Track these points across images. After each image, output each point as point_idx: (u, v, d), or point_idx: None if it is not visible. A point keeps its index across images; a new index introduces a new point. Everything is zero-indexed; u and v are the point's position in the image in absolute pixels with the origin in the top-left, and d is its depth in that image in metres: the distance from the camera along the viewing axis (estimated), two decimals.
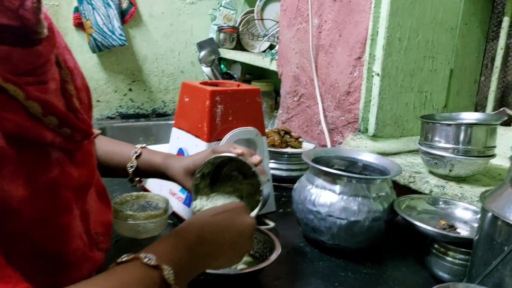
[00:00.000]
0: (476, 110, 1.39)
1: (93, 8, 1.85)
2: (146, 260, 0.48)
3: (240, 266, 0.76)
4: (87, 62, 1.99)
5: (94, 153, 0.65)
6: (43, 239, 0.47)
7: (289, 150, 1.28)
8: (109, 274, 0.47)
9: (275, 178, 1.21)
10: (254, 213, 0.75)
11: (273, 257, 0.76)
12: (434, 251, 0.81)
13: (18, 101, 0.44)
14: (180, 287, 0.50)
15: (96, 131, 0.87)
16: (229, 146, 0.79)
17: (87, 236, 0.58)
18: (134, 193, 0.98)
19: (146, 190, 1.14)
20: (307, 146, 1.33)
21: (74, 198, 0.54)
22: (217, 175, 0.83)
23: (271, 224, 0.99)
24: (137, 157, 0.85)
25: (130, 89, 2.13)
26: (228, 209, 0.65)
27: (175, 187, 1.02)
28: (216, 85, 1.01)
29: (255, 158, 0.77)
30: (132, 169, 0.84)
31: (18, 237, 0.44)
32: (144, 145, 0.88)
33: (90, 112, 0.63)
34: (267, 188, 0.78)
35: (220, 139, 0.94)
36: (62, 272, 0.51)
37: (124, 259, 0.49)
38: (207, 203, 0.79)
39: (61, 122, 0.50)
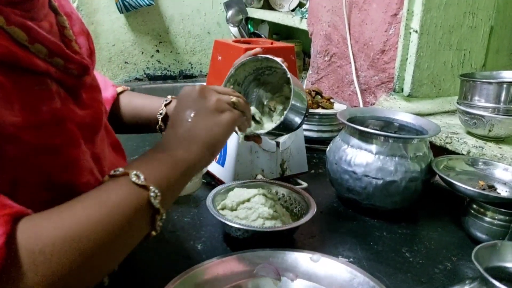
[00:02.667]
0: None
1: None
2: (134, 178, 0.47)
3: (278, 223, 0.76)
4: (114, 23, 1.98)
5: (101, 100, 0.64)
6: (52, 169, 0.48)
7: (320, 111, 1.26)
8: (99, 190, 0.47)
9: (306, 140, 1.20)
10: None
11: (308, 216, 0.76)
12: (472, 211, 0.80)
13: (2, 29, 0.44)
14: (165, 207, 0.50)
15: (123, 87, 0.87)
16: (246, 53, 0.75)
17: (101, 176, 0.58)
18: None
19: None
20: (338, 107, 1.31)
21: (81, 135, 0.54)
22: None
23: (304, 184, 1.00)
24: (167, 105, 0.82)
25: (157, 51, 2.12)
26: (185, 92, 0.61)
27: None
28: (248, 43, 1.00)
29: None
30: (161, 116, 0.81)
31: (22, 165, 0.45)
32: (175, 96, 0.85)
33: (92, 57, 0.61)
34: (298, 92, 0.73)
35: None
36: None
37: (115, 173, 0.49)
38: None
39: (51, 51, 0.49)
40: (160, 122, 0.81)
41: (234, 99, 0.63)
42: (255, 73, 0.80)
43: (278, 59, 0.72)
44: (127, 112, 0.83)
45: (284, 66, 0.71)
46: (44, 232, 0.40)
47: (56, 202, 0.44)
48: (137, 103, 0.84)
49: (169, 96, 0.84)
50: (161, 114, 0.81)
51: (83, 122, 0.55)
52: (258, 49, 0.72)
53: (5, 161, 0.43)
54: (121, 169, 0.49)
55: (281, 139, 0.85)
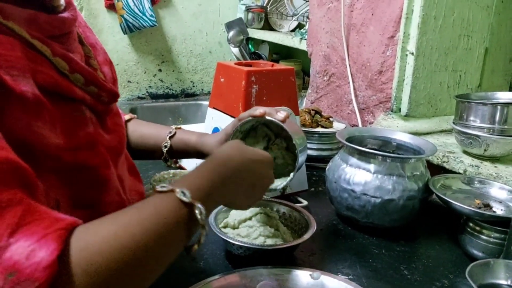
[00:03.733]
0: (510, 90, 1.37)
1: None
2: (180, 195, 0.49)
3: (279, 241, 0.78)
4: (118, 43, 2.02)
5: (123, 125, 0.69)
6: (82, 187, 0.51)
7: (320, 129, 1.29)
8: (146, 203, 0.49)
9: (306, 158, 1.22)
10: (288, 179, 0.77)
11: (309, 234, 0.78)
12: (468, 229, 0.82)
13: (47, 58, 0.49)
14: (207, 223, 0.52)
15: (131, 115, 0.90)
16: (252, 109, 0.77)
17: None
18: (171, 171, 1.02)
19: (182, 168, 1.17)
20: (338, 126, 1.33)
21: (109, 157, 0.58)
22: (254, 136, 0.82)
23: (304, 202, 1.02)
24: (171, 137, 0.86)
25: (159, 70, 2.16)
26: (257, 159, 0.64)
27: None
28: (250, 65, 1.03)
29: (280, 115, 0.75)
30: (166, 149, 0.85)
31: (58, 183, 0.48)
32: (179, 126, 0.90)
33: (115, 84, 0.67)
34: (300, 143, 0.76)
35: None
36: None
37: (162, 189, 0.50)
38: None
39: (87, 80, 0.54)
40: (165, 154, 0.85)
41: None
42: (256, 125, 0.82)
43: (283, 124, 0.74)
44: (133, 140, 0.86)
45: (289, 130, 0.74)
46: (95, 242, 0.41)
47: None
48: (143, 132, 0.88)
49: (173, 127, 0.88)
50: (165, 146, 0.85)
51: (110, 146, 0.59)
52: (262, 111, 0.74)
53: (51, 181, 0.46)
54: (167, 186, 0.50)
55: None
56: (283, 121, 0.75)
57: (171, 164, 0.90)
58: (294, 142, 0.74)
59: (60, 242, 0.39)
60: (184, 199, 0.49)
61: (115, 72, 0.68)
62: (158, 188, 0.51)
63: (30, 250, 0.37)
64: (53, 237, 0.39)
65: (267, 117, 0.74)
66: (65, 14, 0.54)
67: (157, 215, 0.47)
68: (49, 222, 0.40)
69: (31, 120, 0.44)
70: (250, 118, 0.75)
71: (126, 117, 0.88)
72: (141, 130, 0.88)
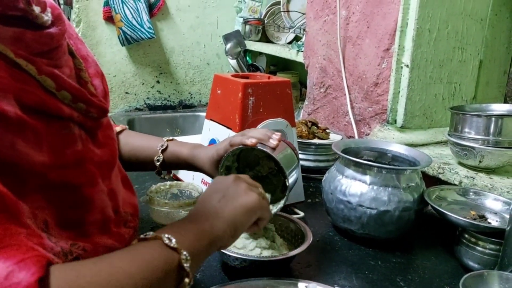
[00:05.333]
0: (505, 101, 1.38)
1: (123, 2, 1.88)
2: (166, 241, 0.50)
3: (275, 252, 0.78)
4: (116, 55, 2.04)
5: (115, 137, 0.68)
6: (65, 206, 0.51)
7: (316, 141, 1.29)
8: (132, 249, 0.50)
9: (303, 169, 1.23)
10: (279, 205, 0.76)
11: (304, 245, 0.78)
12: (464, 241, 0.82)
13: (32, 77, 0.49)
14: (192, 273, 0.52)
15: (122, 126, 0.90)
16: (244, 135, 0.76)
17: (114, 213, 0.61)
18: (168, 182, 1.02)
19: (178, 179, 1.18)
20: (334, 137, 1.34)
21: (99, 174, 0.57)
22: (246, 159, 0.82)
23: (301, 213, 1.02)
24: (163, 150, 0.86)
25: (157, 81, 2.17)
26: (227, 188, 0.64)
27: (207, 177, 1.05)
28: (247, 77, 1.03)
29: (272, 142, 0.75)
30: (158, 163, 0.86)
31: (45, 202, 0.47)
32: (171, 137, 0.90)
33: (107, 97, 0.66)
34: (291, 169, 0.76)
35: None
36: (83, 241, 0.53)
37: (146, 236, 0.51)
38: None
39: (74, 96, 0.54)
40: (158, 168, 0.86)
41: (261, 190, 0.67)
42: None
43: (274, 155, 0.73)
44: (125, 153, 0.86)
45: (279, 159, 0.73)
46: (76, 283, 0.41)
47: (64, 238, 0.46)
48: (134, 144, 0.88)
49: (165, 139, 0.88)
50: (158, 160, 0.86)
51: (101, 161, 0.58)
52: (254, 141, 0.74)
53: (38, 201, 0.46)
54: (151, 233, 0.51)
55: None
56: (276, 147, 0.74)
57: (164, 176, 0.90)
58: (285, 175, 0.74)
59: (39, 267, 0.39)
60: (170, 244, 0.50)
61: (107, 85, 0.67)
62: (142, 236, 0.51)
63: (9, 271, 0.37)
64: (33, 261, 0.39)
65: (259, 147, 0.74)
66: (53, 30, 0.53)
67: (144, 260, 0.47)
68: (26, 249, 0.40)
69: (15, 139, 0.44)
70: (242, 146, 0.75)
71: (118, 128, 0.87)
72: (132, 143, 0.88)
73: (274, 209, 0.76)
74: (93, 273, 0.43)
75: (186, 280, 0.50)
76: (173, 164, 0.88)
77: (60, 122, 0.52)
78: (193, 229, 0.56)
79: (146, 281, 0.46)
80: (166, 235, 0.51)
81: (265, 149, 0.74)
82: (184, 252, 0.50)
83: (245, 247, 0.78)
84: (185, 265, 0.50)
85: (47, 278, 0.39)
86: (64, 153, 0.51)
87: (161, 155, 0.86)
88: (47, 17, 0.53)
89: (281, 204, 0.76)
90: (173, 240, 0.50)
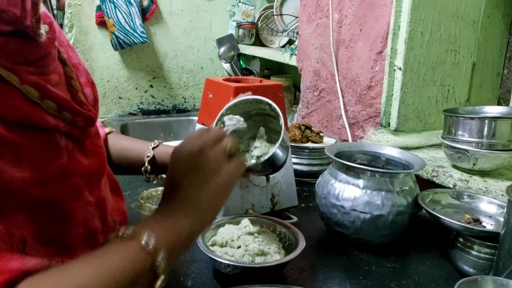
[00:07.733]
0: (499, 104, 1.38)
1: (115, 7, 1.88)
2: (144, 244, 0.48)
3: (268, 259, 0.77)
4: (109, 60, 2.02)
5: (103, 145, 0.67)
6: (46, 222, 0.49)
7: (310, 145, 1.28)
8: (104, 251, 0.48)
9: (296, 173, 1.22)
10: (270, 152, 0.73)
11: (297, 251, 0.77)
12: (459, 245, 0.81)
13: (15, 87, 0.46)
14: (168, 270, 0.51)
15: (110, 128, 0.89)
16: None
17: (102, 223, 0.60)
18: (159, 188, 1.00)
19: None
20: (328, 141, 1.33)
21: (86, 185, 0.56)
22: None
23: (294, 218, 1.01)
24: (154, 147, 0.85)
25: (151, 86, 2.16)
26: (196, 164, 0.58)
27: None
28: (238, 81, 1.03)
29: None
30: (148, 158, 0.83)
31: (25, 220, 0.46)
32: (161, 140, 0.88)
33: (96, 106, 0.64)
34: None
35: None
36: (65, 255, 0.52)
37: (124, 235, 0.49)
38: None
39: (59, 106, 0.51)
40: (146, 164, 0.83)
41: (228, 145, 0.61)
42: (244, 116, 0.81)
43: (268, 100, 0.75)
44: (113, 153, 0.85)
45: (274, 104, 0.74)
46: None
47: (46, 254, 0.45)
48: (123, 144, 0.87)
49: (156, 140, 0.87)
50: (148, 156, 0.84)
51: (89, 172, 0.57)
52: (248, 92, 0.75)
53: (17, 220, 0.44)
54: (129, 231, 0.49)
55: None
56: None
57: (150, 177, 0.88)
58: (281, 124, 0.73)
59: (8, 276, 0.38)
60: (148, 248, 0.48)
61: (97, 93, 0.66)
62: (120, 233, 0.50)
63: None
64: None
65: (254, 97, 0.75)
66: (42, 39, 0.51)
67: (116, 264, 0.46)
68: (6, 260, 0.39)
69: None
70: (237, 100, 0.75)
71: (106, 130, 0.86)
72: (122, 143, 0.87)
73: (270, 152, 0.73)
74: (60, 285, 0.42)
75: (158, 281, 0.49)
76: (163, 163, 0.85)
77: (44, 134, 0.50)
78: (171, 227, 0.54)
79: (118, 285, 0.45)
80: (145, 237, 0.49)
81: (259, 97, 0.75)
82: (161, 253, 0.49)
83: (237, 254, 0.77)
84: (160, 265, 0.49)
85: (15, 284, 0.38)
86: (47, 167, 0.49)
87: (151, 151, 0.84)
88: (43, 31, 0.52)
89: (276, 145, 0.73)
90: (151, 243, 0.48)
